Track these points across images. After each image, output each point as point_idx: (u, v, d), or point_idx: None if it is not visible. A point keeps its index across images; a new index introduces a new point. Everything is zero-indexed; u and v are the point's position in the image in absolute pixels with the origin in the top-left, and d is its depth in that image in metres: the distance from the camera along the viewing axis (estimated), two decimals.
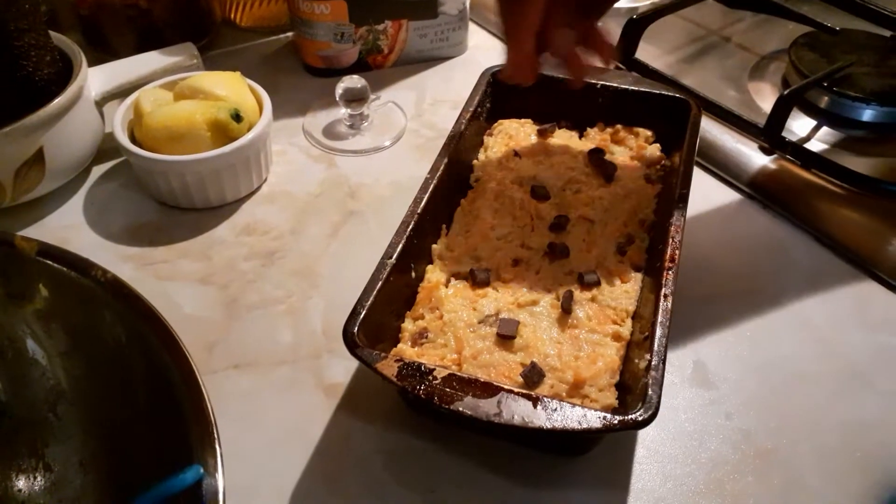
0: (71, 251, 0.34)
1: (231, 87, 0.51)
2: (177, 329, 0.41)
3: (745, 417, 0.41)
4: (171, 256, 0.49)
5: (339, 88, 0.55)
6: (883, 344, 0.44)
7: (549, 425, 0.31)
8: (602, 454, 0.38)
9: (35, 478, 0.35)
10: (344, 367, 0.42)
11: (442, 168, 0.44)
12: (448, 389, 0.33)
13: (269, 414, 0.40)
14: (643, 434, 0.39)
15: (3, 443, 0.36)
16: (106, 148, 0.55)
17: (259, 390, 0.41)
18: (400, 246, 0.39)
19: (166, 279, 0.47)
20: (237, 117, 0.49)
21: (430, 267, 0.43)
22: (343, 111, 0.58)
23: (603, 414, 0.31)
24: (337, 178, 0.55)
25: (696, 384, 0.42)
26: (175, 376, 0.30)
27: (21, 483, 0.35)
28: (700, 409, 0.41)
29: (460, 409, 0.32)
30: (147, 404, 0.31)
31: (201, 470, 0.25)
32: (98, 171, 0.55)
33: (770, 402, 0.41)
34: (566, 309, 0.40)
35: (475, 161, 0.49)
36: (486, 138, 0.51)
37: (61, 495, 0.34)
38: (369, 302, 0.36)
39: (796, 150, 0.54)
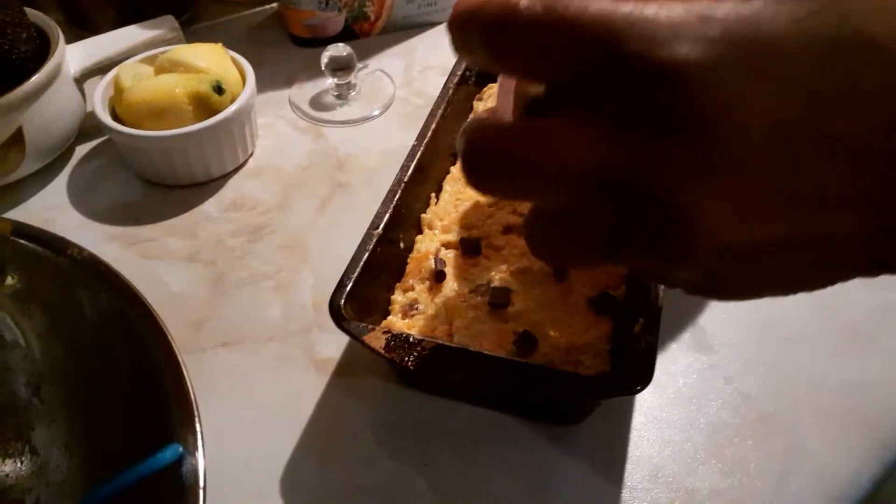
0: (47, 230, 0.33)
1: (212, 59, 0.49)
2: (164, 307, 0.40)
3: (744, 381, 0.40)
4: (157, 234, 0.48)
5: (325, 57, 0.54)
6: (885, 302, 0.43)
7: (538, 392, 0.30)
8: (598, 422, 0.37)
9: (22, 461, 0.34)
10: (335, 341, 0.41)
11: (429, 135, 0.43)
12: (437, 360, 0.32)
13: (260, 391, 0.40)
14: (640, 400, 0.39)
15: None
16: (88, 127, 0.54)
17: (249, 367, 0.41)
18: (387, 216, 0.38)
19: (153, 258, 0.46)
20: (219, 89, 0.48)
21: (419, 237, 0.42)
22: (329, 81, 0.56)
23: (595, 380, 0.30)
24: (325, 150, 0.54)
25: (695, 349, 0.41)
26: (155, 355, 0.29)
27: (8, 468, 0.34)
28: (699, 374, 0.40)
29: (449, 378, 0.31)
30: (129, 384, 0.31)
31: (180, 448, 0.25)
32: (81, 150, 0.54)
33: (770, 365, 0.40)
34: (559, 275, 0.39)
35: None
36: (475, 103, 0.50)
37: (49, 478, 0.34)
38: (356, 274, 0.35)
39: None
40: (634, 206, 0.19)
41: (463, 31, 0.21)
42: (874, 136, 0.17)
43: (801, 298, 0.44)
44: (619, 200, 0.19)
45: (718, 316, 0.42)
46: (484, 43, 0.20)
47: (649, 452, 0.37)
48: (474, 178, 0.21)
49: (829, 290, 0.45)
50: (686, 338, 0.42)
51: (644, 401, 0.39)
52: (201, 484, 0.24)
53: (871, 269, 0.21)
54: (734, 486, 0.35)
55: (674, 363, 0.40)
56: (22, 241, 0.33)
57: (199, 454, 0.25)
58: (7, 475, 0.34)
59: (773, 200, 0.18)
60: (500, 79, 0.24)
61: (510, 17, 0.19)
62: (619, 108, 0.18)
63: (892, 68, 0.17)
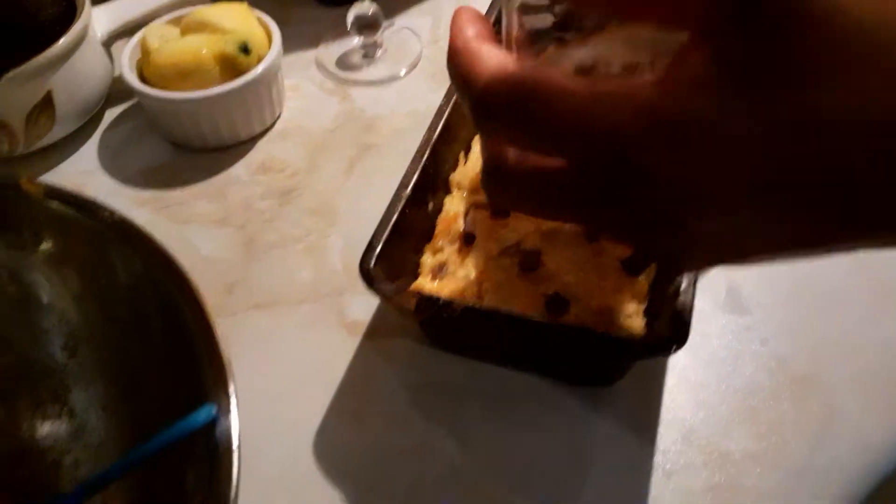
0: (78, 193, 0.33)
1: (238, 20, 0.49)
2: (195, 271, 0.40)
3: (780, 343, 0.39)
4: (186, 198, 0.48)
5: (350, 16, 0.53)
6: None
7: (570, 353, 0.30)
8: (631, 384, 0.37)
9: (59, 424, 0.35)
10: (366, 304, 0.41)
11: (455, 95, 0.42)
12: (467, 322, 0.32)
13: (292, 353, 0.40)
14: (674, 362, 0.38)
15: (26, 391, 0.36)
16: (117, 90, 0.54)
17: (280, 330, 0.41)
18: (415, 176, 0.38)
19: (183, 222, 0.46)
20: (245, 50, 0.47)
21: (447, 198, 0.41)
22: (356, 40, 0.55)
23: (627, 339, 0.30)
24: (352, 112, 0.53)
25: (730, 310, 0.40)
26: (187, 316, 0.29)
27: (46, 429, 0.35)
28: (733, 336, 0.39)
29: (479, 340, 0.31)
30: (162, 346, 0.31)
31: (214, 410, 0.25)
32: (111, 114, 0.54)
33: (806, 326, 0.39)
34: (590, 236, 0.38)
35: None
36: None
37: (86, 441, 0.34)
38: (385, 236, 0.35)
39: None
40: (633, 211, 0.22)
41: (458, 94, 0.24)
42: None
43: (839, 257, 0.43)
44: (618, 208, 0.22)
45: (754, 277, 0.42)
46: (472, 114, 0.23)
47: (682, 415, 0.36)
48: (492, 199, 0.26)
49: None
50: (721, 299, 0.41)
51: (677, 363, 0.38)
52: (235, 444, 0.25)
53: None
54: (768, 450, 0.35)
55: (708, 325, 0.40)
56: (54, 205, 0.33)
57: (233, 415, 0.25)
58: (45, 437, 0.35)
59: (753, 240, 0.22)
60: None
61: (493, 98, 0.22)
62: (605, 185, 0.21)
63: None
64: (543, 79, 0.20)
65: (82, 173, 0.50)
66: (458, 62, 0.23)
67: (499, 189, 0.25)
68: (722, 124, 0.18)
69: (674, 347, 0.30)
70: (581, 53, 0.23)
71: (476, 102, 0.22)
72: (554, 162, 0.22)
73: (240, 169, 0.49)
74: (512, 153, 0.23)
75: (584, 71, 0.23)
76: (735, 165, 0.19)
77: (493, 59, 0.22)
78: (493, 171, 0.24)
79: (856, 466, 0.35)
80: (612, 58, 0.23)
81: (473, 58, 0.23)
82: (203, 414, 0.24)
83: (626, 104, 0.19)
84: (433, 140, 0.39)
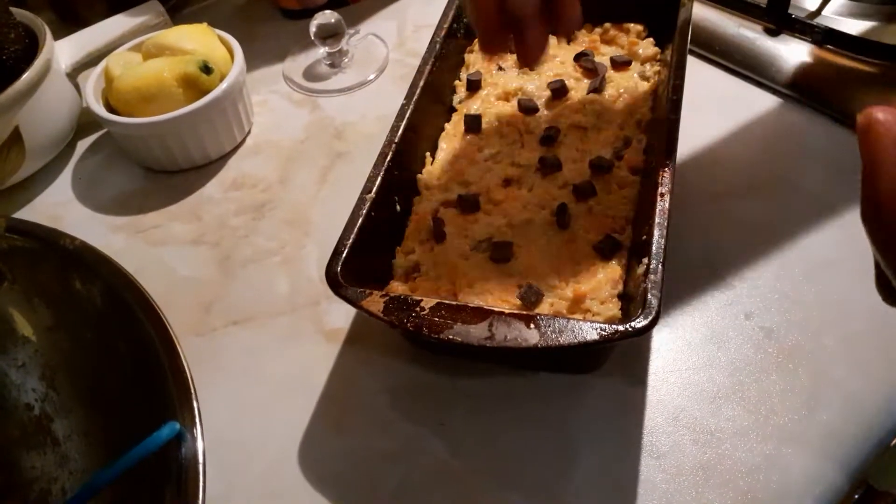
0: (39, 223, 0.33)
1: (198, 40, 0.49)
2: (173, 292, 0.40)
3: (765, 315, 0.38)
4: (161, 221, 0.48)
5: (313, 26, 0.53)
6: None
7: (542, 343, 0.29)
8: (615, 368, 0.37)
9: (45, 453, 0.35)
10: (343, 311, 0.41)
11: (418, 93, 0.42)
12: (437, 319, 0.31)
13: (273, 365, 0.40)
14: (657, 343, 0.38)
15: (13, 423, 0.36)
16: (87, 121, 0.54)
17: (260, 343, 0.41)
18: (378, 179, 0.37)
19: (158, 244, 0.46)
20: (206, 69, 0.47)
21: (416, 198, 0.41)
22: (321, 50, 0.55)
23: (599, 325, 0.30)
24: (322, 121, 0.53)
25: (712, 286, 0.40)
26: (151, 336, 0.29)
27: (34, 459, 0.35)
28: (717, 312, 0.39)
29: (450, 336, 0.30)
30: (131, 368, 0.31)
31: (177, 426, 0.25)
32: (83, 145, 0.54)
33: (791, 296, 0.39)
34: (562, 224, 0.38)
35: (457, 82, 0.47)
36: (467, 56, 0.48)
37: (71, 468, 0.34)
38: (350, 241, 0.35)
39: (806, 27, 0.50)
40: None
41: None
42: None
43: (822, 225, 0.43)
44: None
45: (736, 250, 0.41)
46: None
47: (669, 395, 0.36)
48: None
49: (850, 213, 0.43)
50: (702, 275, 0.40)
51: (661, 343, 0.38)
52: (200, 458, 0.24)
53: None
54: (759, 423, 0.35)
55: (690, 303, 0.39)
56: (17, 238, 0.33)
57: (197, 430, 0.25)
58: (33, 467, 0.35)
59: None
60: None
61: None
62: None
63: None
64: None
65: (58, 205, 0.50)
66: None
67: None
68: None
69: (645, 329, 0.29)
70: None
71: None
72: None
73: (212, 188, 0.49)
74: None
75: None
76: None
77: None
78: None
79: (849, 431, 0.34)
80: None
81: None
82: (166, 430, 0.24)
83: None
84: (395, 141, 0.39)
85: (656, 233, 0.33)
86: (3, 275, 0.34)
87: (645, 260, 0.32)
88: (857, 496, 0.61)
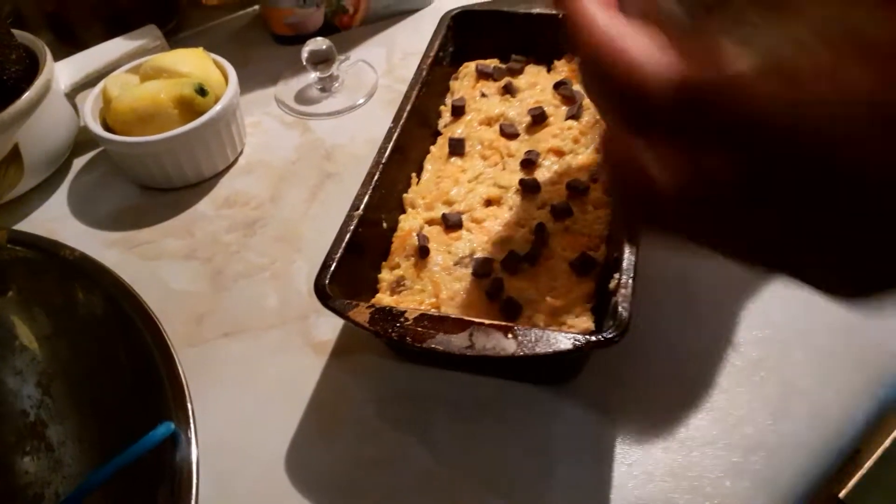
0: (40, 235, 0.35)
1: (194, 63, 0.51)
2: (165, 305, 0.42)
3: (733, 330, 0.40)
4: (155, 237, 0.49)
5: (305, 52, 0.55)
6: None
7: (519, 352, 0.31)
8: (591, 379, 0.38)
9: (39, 458, 0.36)
10: (331, 324, 0.43)
11: (404, 117, 0.44)
12: (420, 329, 0.33)
13: (262, 376, 0.41)
14: (630, 357, 0.39)
15: (8, 429, 0.37)
16: (83, 140, 0.56)
17: (251, 355, 0.42)
18: (366, 197, 0.39)
19: (152, 259, 0.48)
20: (202, 91, 0.49)
21: (402, 216, 0.43)
22: (313, 75, 0.57)
23: (572, 335, 0.31)
24: (312, 143, 0.55)
25: (682, 302, 0.42)
26: (149, 344, 0.30)
27: (28, 464, 0.36)
28: (687, 327, 0.41)
29: (433, 345, 0.32)
30: (129, 375, 0.32)
31: (172, 426, 0.26)
32: (79, 163, 0.56)
33: (758, 313, 0.41)
34: (540, 241, 0.39)
35: (442, 107, 0.49)
36: (452, 83, 0.51)
37: (64, 472, 0.35)
38: (338, 254, 0.37)
39: None
40: None
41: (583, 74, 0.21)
42: None
43: None
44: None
45: (704, 269, 0.43)
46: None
47: (641, 405, 0.38)
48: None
49: None
50: (672, 293, 0.42)
51: (635, 356, 0.39)
52: (194, 458, 0.26)
53: None
54: (725, 432, 0.36)
55: (661, 318, 0.41)
56: (19, 249, 0.34)
57: (192, 430, 0.26)
58: (27, 472, 0.36)
59: None
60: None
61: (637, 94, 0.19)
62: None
63: None
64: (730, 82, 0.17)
65: (53, 220, 0.51)
66: (598, 54, 0.19)
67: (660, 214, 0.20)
68: None
69: (617, 339, 0.31)
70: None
71: (637, 110, 0.19)
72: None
73: (205, 205, 0.51)
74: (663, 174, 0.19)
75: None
76: None
77: (646, 52, 0.18)
78: (645, 199, 0.20)
79: (813, 441, 0.36)
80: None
81: (618, 51, 0.19)
82: (162, 430, 0.25)
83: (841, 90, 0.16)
84: (383, 162, 0.41)
85: (627, 250, 0.35)
86: (6, 285, 0.36)
87: (616, 275, 0.34)
88: None
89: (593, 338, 0.31)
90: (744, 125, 0.17)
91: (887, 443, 1.01)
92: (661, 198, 0.19)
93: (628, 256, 0.34)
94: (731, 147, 0.18)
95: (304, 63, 0.56)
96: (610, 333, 0.31)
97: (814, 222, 0.18)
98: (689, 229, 0.21)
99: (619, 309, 0.32)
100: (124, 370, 0.32)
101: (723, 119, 0.17)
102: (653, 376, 0.39)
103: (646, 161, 0.19)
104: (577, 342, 0.31)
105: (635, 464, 0.35)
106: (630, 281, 0.33)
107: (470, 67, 0.51)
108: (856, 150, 0.16)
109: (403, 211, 0.43)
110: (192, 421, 0.27)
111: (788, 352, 0.39)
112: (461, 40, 0.51)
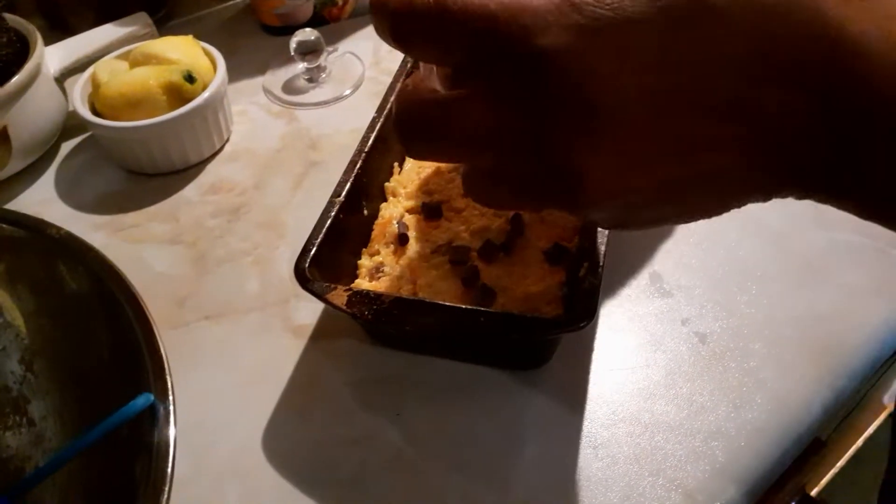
0: (26, 213, 0.36)
1: (183, 51, 0.52)
2: (149, 287, 0.43)
3: (700, 322, 0.42)
4: (140, 221, 0.50)
5: (293, 42, 0.56)
6: (839, 241, 0.45)
7: (491, 333, 0.32)
8: (560, 365, 0.40)
9: (21, 433, 0.37)
10: (311, 309, 0.44)
11: (388, 107, 0.45)
12: (396, 311, 0.34)
13: (242, 358, 0.42)
14: (599, 344, 0.41)
15: None
16: (72, 125, 0.56)
17: (231, 337, 0.43)
18: (348, 185, 0.40)
19: (137, 242, 0.49)
20: (190, 78, 0.50)
21: (383, 205, 0.44)
22: (300, 66, 0.58)
23: (543, 319, 0.33)
24: (298, 132, 0.56)
25: (652, 294, 0.43)
26: (129, 319, 0.31)
27: (9, 439, 0.37)
28: (656, 318, 0.42)
29: (407, 327, 0.33)
30: (110, 349, 0.33)
31: (151, 397, 0.27)
32: (66, 147, 0.56)
33: (725, 305, 0.42)
34: (516, 231, 0.41)
35: None
36: None
37: (45, 447, 0.36)
38: (319, 239, 0.38)
39: None
40: (534, 164, 0.22)
41: (375, 18, 0.24)
42: (733, 93, 0.20)
43: (758, 242, 0.46)
44: (519, 159, 0.23)
45: (674, 262, 0.44)
46: (389, 31, 0.23)
47: (608, 391, 0.39)
48: (403, 142, 0.24)
49: (783, 230, 0.47)
50: (643, 284, 0.44)
51: (604, 344, 0.41)
52: (171, 428, 0.27)
53: (759, 195, 0.23)
54: (687, 418, 0.38)
55: (631, 309, 0.42)
56: (4, 226, 0.35)
57: (170, 401, 0.27)
58: (8, 446, 0.37)
59: (649, 152, 0.21)
60: None
61: (407, 10, 0.22)
62: (507, 84, 0.22)
63: (733, 29, 0.20)
64: None
65: (40, 202, 0.52)
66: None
67: (410, 124, 0.24)
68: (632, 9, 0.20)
69: (582, 324, 0.32)
70: None
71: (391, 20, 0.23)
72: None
73: (191, 191, 0.52)
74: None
75: None
76: (640, 62, 0.20)
77: None
78: (403, 105, 0.24)
79: (772, 428, 0.37)
80: None
81: None
82: (141, 400, 0.26)
83: None
84: (366, 150, 0.42)
85: (598, 239, 0.36)
86: None
87: (586, 264, 0.35)
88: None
89: (562, 322, 0.32)
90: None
91: (860, 442, 1.03)
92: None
93: (598, 246, 0.36)
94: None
95: (292, 53, 0.57)
96: (579, 318, 0.32)
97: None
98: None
99: (586, 295, 0.33)
100: (106, 347, 0.33)
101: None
102: (620, 364, 0.40)
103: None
104: (546, 326, 0.32)
105: (601, 447, 0.37)
106: (598, 269, 0.34)
107: None
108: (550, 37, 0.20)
109: (385, 199, 0.44)
110: (171, 393, 0.28)
111: (752, 343, 0.41)
112: None
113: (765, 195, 0.23)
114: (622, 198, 0.22)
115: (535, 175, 0.23)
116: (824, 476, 0.90)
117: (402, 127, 0.24)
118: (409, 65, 0.48)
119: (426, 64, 0.26)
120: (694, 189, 0.22)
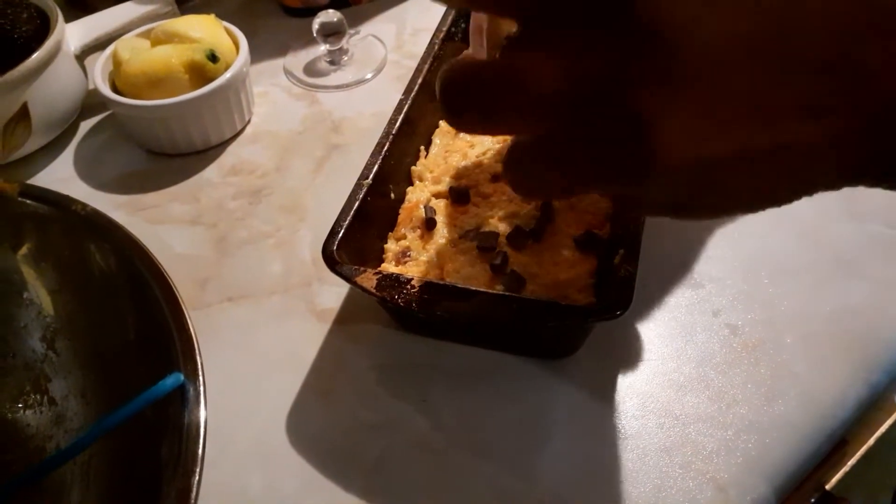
0: (50, 189, 0.35)
1: (206, 30, 0.51)
2: (169, 267, 0.42)
3: (731, 313, 0.41)
4: (160, 201, 0.49)
5: (316, 24, 0.55)
6: (871, 233, 0.44)
7: (521, 321, 0.32)
8: (589, 355, 0.39)
9: (41, 412, 0.36)
10: (335, 292, 0.43)
11: (416, 90, 0.44)
12: (426, 296, 0.33)
13: (265, 341, 0.41)
14: (630, 334, 0.40)
15: (9, 383, 0.37)
16: (91, 103, 0.56)
17: (253, 320, 0.42)
18: (375, 167, 0.40)
19: (157, 223, 0.48)
20: (213, 57, 0.49)
21: (409, 189, 0.43)
22: (322, 48, 0.58)
23: (576, 307, 0.32)
24: (320, 114, 0.55)
25: (683, 286, 0.42)
26: (157, 298, 0.30)
27: (29, 418, 0.37)
28: (686, 309, 0.41)
29: (437, 312, 0.33)
30: (136, 328, 0.32)
31: (181, 376, 0.26)
32: (86, 125, 0.56)
33: (756, 297, 0.41)
34: (545, 217, 0.40)
35: None
36: None
37: (66, 426, 0.36)
38: (347, 222, 0.37)
39: None
40: (602, 124, 0.20)
41: None
42: (832, 49, 0.18)
43: (788, 233, 0.45)
44: (587, 120, 0.20)
45: (706, 254, 0.44)
46: None
47: (638, 381, 0.38)
48: (452, 114, 0.22)
49: (814, 221, 0.46)
50: (674, 276, 0.43)
51: (634, 335, 0.40)
52: (202, 409, 0.26)
53: (836, 180, 0.21)
54: (721, 411, 0.37)
55: (662, 300, 0.42)
56: (30, 202, 0.35)
57: (200, 381, 0.26)
58: (29, 425, 0.37)
59: (732, 113, 0.19)
60: (471, 22, 0.25)
61: None
62: (584, 34, 0.19)
63: None
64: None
65: (60, 181, 0.51)
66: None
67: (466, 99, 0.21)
68: None
69: (619, 312, 0.32)
70: None
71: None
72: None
73: (212, 172, 0.51)
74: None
75: None
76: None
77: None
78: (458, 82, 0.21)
79: (804, 424, 0.37)
80: None
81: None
82: (171, 380, 0.26)
83: None
84: (393, 133, 0.41)
85: (631, 227, 0.35)
86: (19, 239, 0.36)
87: (622, 251, 0.34)
88: (812, 500, 0.64)
89: (596, 309, 0.32)
90: None
91: (871, 441, 1.03)
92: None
93: (633, 234, 0.35)
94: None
95: (315, 35, 0.56)
96: (612, 306, 0.32)
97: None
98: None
99: (622, 283, 0.32)
100: (132, 326, 0.33)
101: None
102: (651, 355, 0.39)
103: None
104: (582, 314, 0.32)
105: (631, 438, 0.36)
106: (634, 258, 0.34)
107: None
108: None
109: (411, 183, 0.43)
110: (200, 374, 0.27)
111: (783, 337, 0.40)
112: None
113: (838, 180, 0.21)
114: (694, 169, 0.20)
115: (599, 140, 0.20)
116: (839, 471, 0.89)
117: (452, 96, 0.21)
118: (436, 47, 0.47)
119: (474, 38, 0.24)
120: (770, 166, 0.20)
